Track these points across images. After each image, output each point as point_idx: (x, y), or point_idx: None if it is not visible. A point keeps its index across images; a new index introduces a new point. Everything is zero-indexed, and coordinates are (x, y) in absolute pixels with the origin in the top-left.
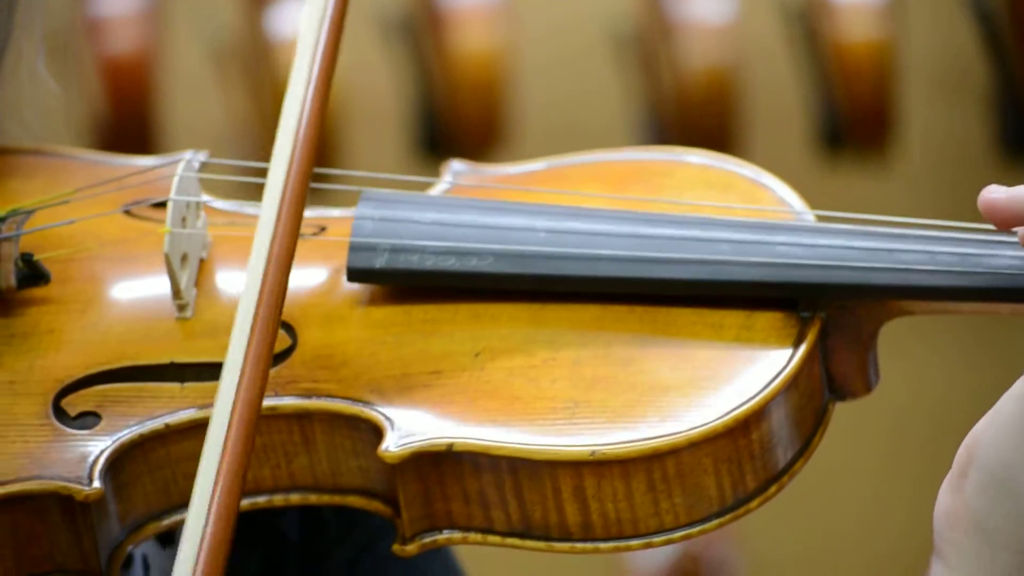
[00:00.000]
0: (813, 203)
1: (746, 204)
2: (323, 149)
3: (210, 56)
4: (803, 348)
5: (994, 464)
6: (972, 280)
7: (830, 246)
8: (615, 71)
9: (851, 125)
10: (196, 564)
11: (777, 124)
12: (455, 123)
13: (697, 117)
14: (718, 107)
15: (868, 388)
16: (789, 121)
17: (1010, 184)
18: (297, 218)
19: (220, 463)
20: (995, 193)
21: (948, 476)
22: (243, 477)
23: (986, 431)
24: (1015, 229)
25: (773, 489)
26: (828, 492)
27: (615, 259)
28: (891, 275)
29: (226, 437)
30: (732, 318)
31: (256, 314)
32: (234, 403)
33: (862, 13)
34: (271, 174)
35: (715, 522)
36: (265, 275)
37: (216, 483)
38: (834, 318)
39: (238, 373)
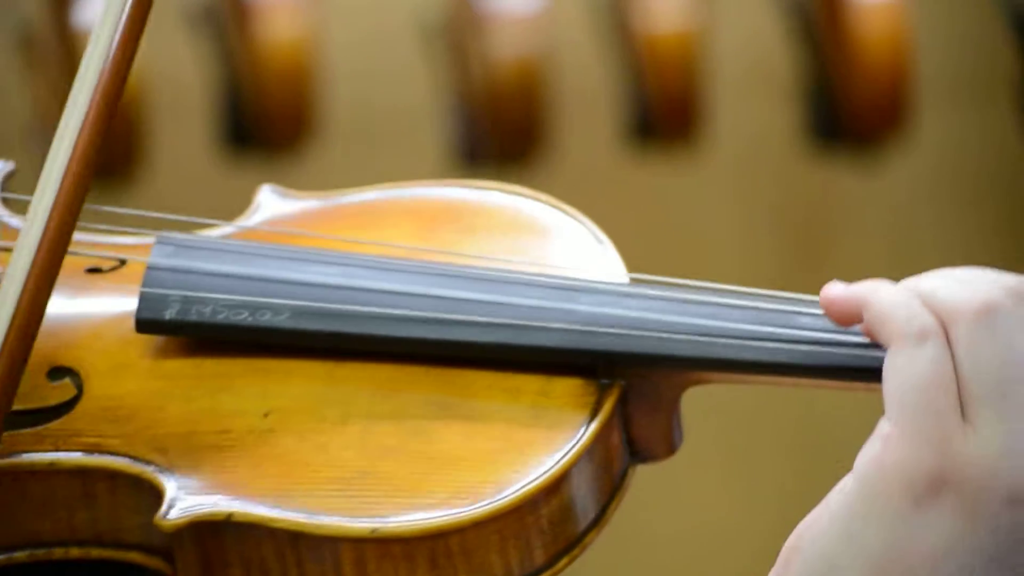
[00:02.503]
0: (623, 196)
1: (557, 253)
2: (125, 145)
3: (14, 49)
4: (599, 418)
5: (817, 561)
6: (772, 355)
7: (631, 315)
8: (424, 62)
9: (660, 116)
10: None
11: (586, 115)
12: (262, 115)
13: (507, 108)
14: (527, 98)
15: (671, 451)
16: (598, 112)
17: (818, 176)
18: (64, 229)
19: None
20: (833, 290)
21: (773, 570)
22: None
23: (811, 527)
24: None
25: (564, 562)
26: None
27: (413, 320)
28: (691, 347)
29: None
30: (530, 383)
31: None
32: None
33: (670, 5)
34: (43, 180)
35: None
36: (23, 290)
37: None
38: (634, 385)
39: None
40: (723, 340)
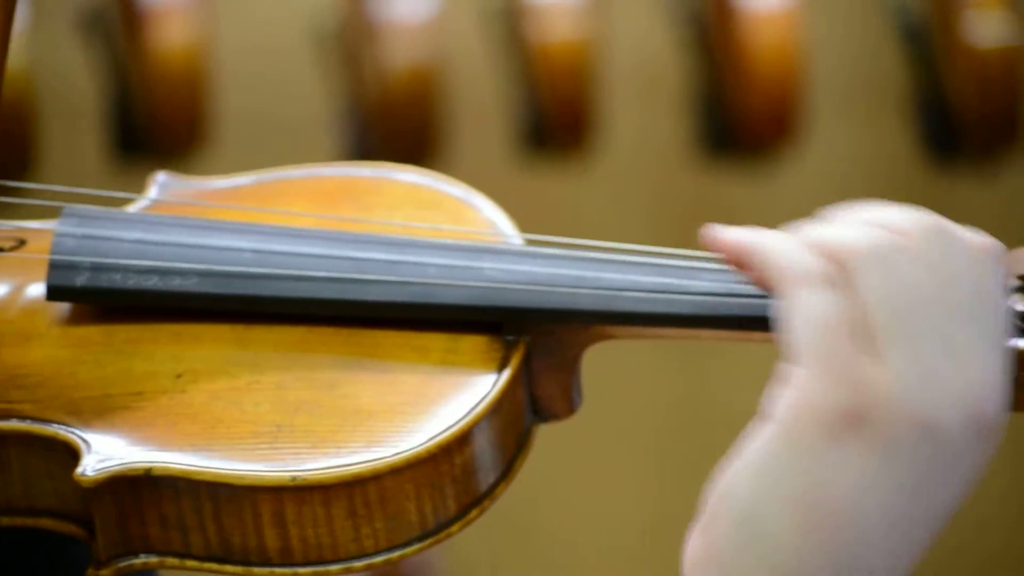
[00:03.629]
0: (517, 203)
1: (455, 225)
2: (15, 151)
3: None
4: (507, 372)
5: (742, 506)
6: (672, 307)
7: (535, 271)
8: (317, 69)
9: (552, 124)
10: None
11: (480, 124)
12: (154, 122)
13: (400, 116)
14: (420, 106)
15: (571, 410)
16: (491, 120)
17: (710, 184)
18: None
19: None
20: (719, 233)
21: (698, 521)
22: None
23: (733, 477)
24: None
25: (474, 513)
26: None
27: (320, 280)
28: (595, 300)
29: None
30: (438, 341)
31: None
32: None
33: (563, 13)
34: None
35: (416, 547)
36: None
37: None
38: (539, 342)
39: None
40: (626, 293)
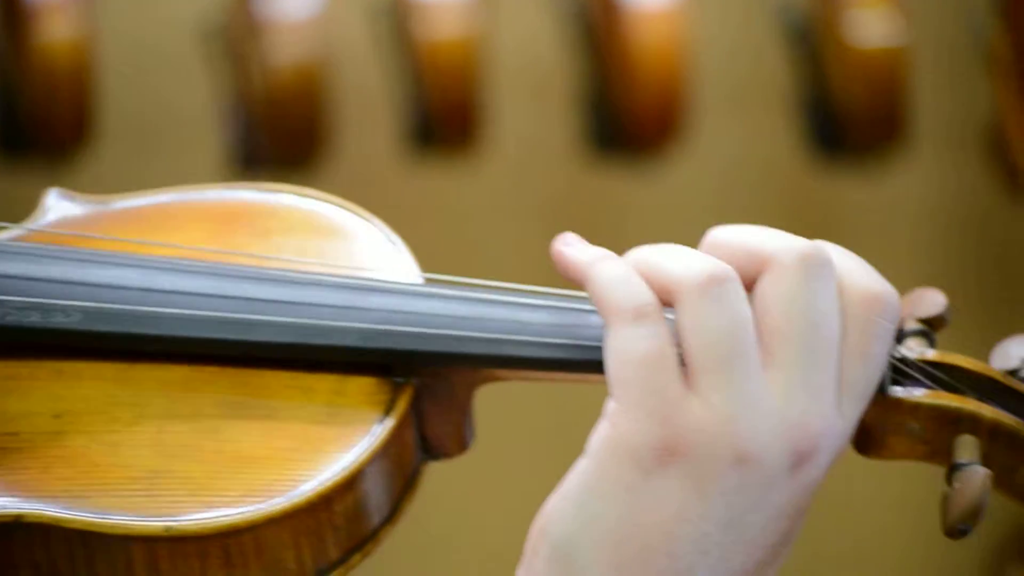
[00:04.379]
0: (404, 202)
1: (350, 254)
2: None
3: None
4: (393, 416)
5: (558, 538)
6: (562, 352)
7: (425, 313)
8: (203, 66)
9: (439, 122)
10: None
11: (366, 120)
12: (38, 119)
13: (286, 113)
14: (306, 103)
15: (463, 448)
16: (378, 117)
17: (597, 183)
18: None
19: None
20: (563, 251)
21: (523, 557)
22: None
23: (552, 510)
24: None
25: (357, 558)
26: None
27: (206, 321)
28: (484, 345)
29: None
30: (325, 382)
31: None
32: None
33: (449, 11)
34: None
35: None
36: None
37: None
38: (428, 383)
39: None
40: (515, 337)
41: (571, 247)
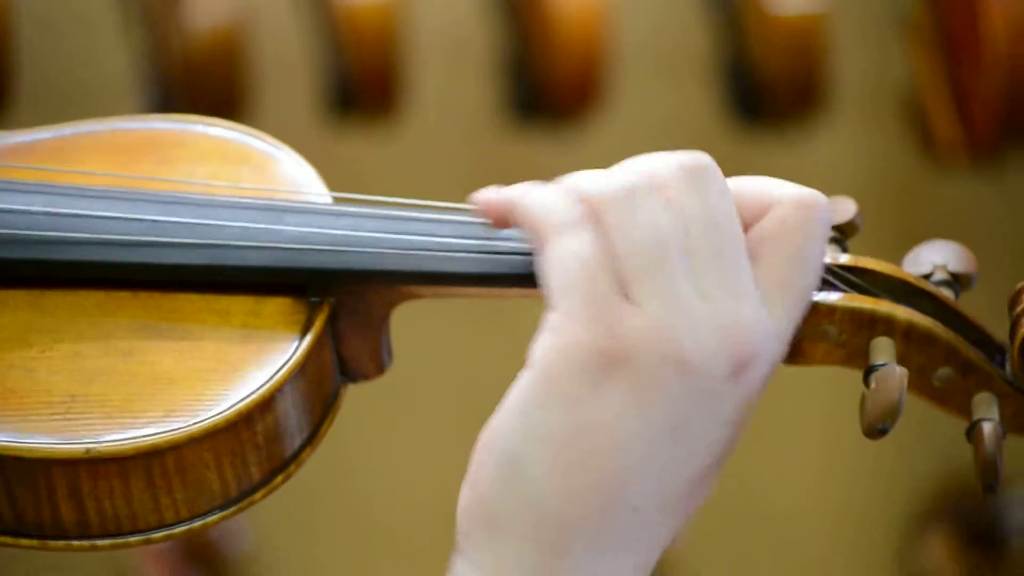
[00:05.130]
0: (324, 166)
1: (260, 180)
2: None
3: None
4: (310, 335)
5: (504, 451)
6: (478, 266)
7: (339, 231)
8: (120, 31)
9: (360, 87)
10: None
11: (285, 86)
12: None
13: (204, 77)
14: (224, 67)
15: (381, 370)
16: (297, 83)
17: (519, 149)
18: None
19: None
20: (484, 195)
21: (467, 473)
22: None
23: (496, 425)
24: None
25: (279, 479)
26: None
27: (116, 244)
28: (400, 260)
29: None
30: (240, 304)
31: None
32: None
33: None
34: None
35: (217, 515)
36: None
37: None
38: (344, 303)
39: None
40: (431, 253)
41: (490, 192)
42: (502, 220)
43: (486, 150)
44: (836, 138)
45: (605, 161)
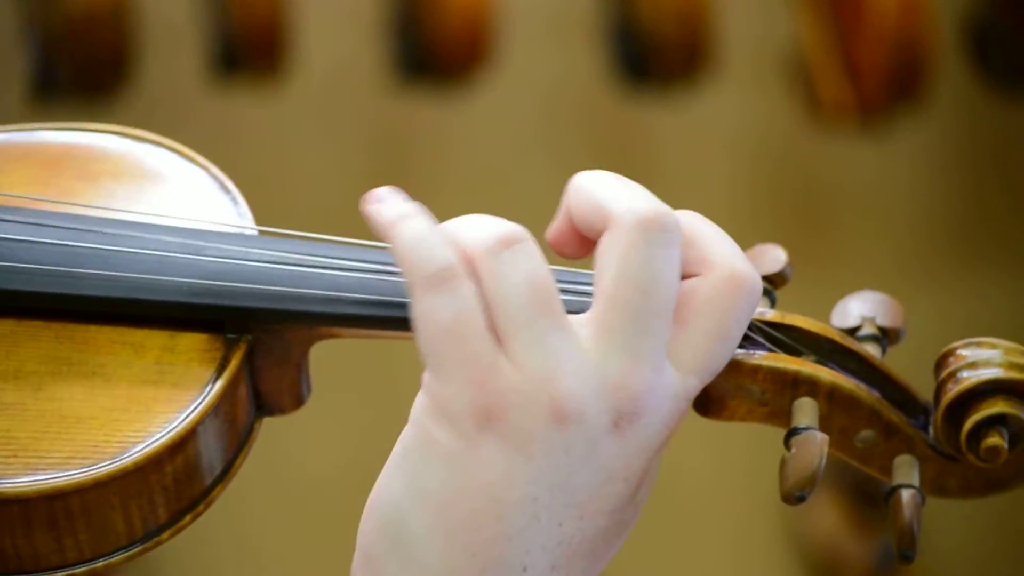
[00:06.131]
0: (210, 127)
1: (183, 201)
2: None
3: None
4: (225, 375)
5: (387, 509)
6: (400, 312)
7: (260, 269)
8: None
9: (246, 47)
10: None
11: (170, 46)
12: None
13: (89, 38)
14: (110, 28)
15: (299, 403)
16: (182, 43)
17: (406, 109)
18: None
19: None
20: (369, 207)
21: (359, 528)
22: None
23: (380, 478)
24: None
25: (188, 518)
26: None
27: (29, 272)
28: (320, 303)
29: None
30: (155, 339)
31: None
32: None
33: None
34: None
35: (123, 555)
36: None
37: None
38: (262, 339)
39: None
40: (353, 295)
41: (377, 204)
42: (382, 239)
43: (373, 110)
44: (723, 99)
45: (492, 121)
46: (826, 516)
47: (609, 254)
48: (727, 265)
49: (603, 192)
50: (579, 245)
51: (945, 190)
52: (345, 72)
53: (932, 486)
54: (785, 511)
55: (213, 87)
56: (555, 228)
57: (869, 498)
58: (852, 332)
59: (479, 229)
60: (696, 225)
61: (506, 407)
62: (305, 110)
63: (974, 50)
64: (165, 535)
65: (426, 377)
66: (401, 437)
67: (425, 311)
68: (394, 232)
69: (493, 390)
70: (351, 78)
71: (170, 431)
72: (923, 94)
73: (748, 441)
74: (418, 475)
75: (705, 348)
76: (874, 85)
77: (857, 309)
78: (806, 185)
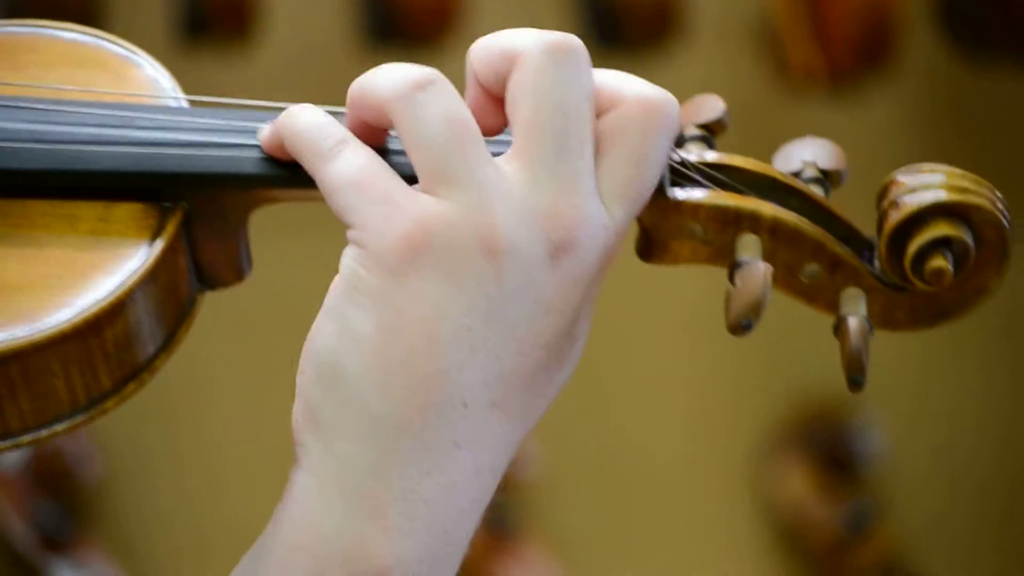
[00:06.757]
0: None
1: (115, 86)
2: None
3: None
4: (161, 241)
5: (322, 356)
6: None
7: (191, 137)
8: None
9: (212, 12)
10: None
11: (137, 10)
12: None
13: (54, 3)
14: None
15: (240, 277)
16: (149, 7)
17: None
18: None
19: None
20: (261, 136)
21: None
22: None
23: (315, 330)
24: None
25: (132, 386)
26: None
27: None
28: (253, 166)
29: None
30: (89, 210)
31: None
32: None
33: None
34: None
35: (66, 424)
36: None
37: None
38: (198, 208)
39: None
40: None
41: (265, 129)
42: (284, 153)
43: (341, 76)
44: (692, 64)
45: (461, 86)
46: (793, 482)
47: (521, 85)
48: (637, 92)
49: (503, 39)
50: (496, 112)
51: (913, 155)
52: (314, 38)
53: (881, 319)
54: (752, 478)
55: (180, 52)
56: (468, 102)
57: (836, 463)
58: (795, 176)
59: (390, 77)
60: (604, 72)
61: (432, 237)
62: (271, 76)
63: (942, 16)
64: (109, 403)
65: (349, 235)
66: (332, 285)
67: (329, 178)
68: (283, 128)
69: (415, 220)
70: (320, 44)
71: (107, 295)
72: (891, 60)
73: (718, 407)
74: (350, 318)
75: (625, 173)
76: (843, 51)
77: (798, 153)
78: (775, 150)
